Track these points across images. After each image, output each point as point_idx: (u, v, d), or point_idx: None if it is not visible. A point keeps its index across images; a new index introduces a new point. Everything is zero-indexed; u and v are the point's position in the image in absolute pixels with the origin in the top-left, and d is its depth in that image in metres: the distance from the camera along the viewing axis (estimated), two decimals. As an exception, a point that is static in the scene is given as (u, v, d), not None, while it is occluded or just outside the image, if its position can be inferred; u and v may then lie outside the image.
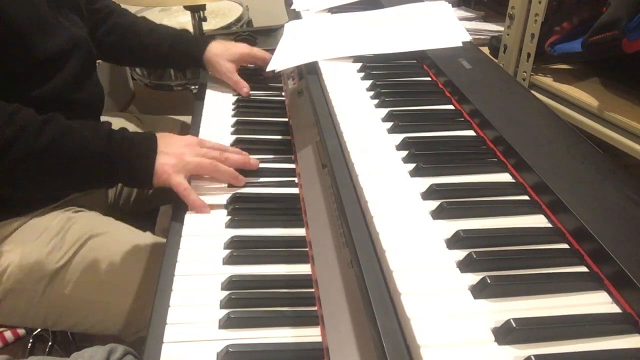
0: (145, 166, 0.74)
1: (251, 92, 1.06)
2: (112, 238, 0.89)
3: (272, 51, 0.91)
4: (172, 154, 0.75)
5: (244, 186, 0.79)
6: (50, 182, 0.75)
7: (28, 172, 0.72)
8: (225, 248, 0.69)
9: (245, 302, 0.61)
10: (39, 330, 1.31)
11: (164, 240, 0.91)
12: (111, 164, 0.73)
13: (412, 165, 0.59)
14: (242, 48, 1.10)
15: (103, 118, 1.11)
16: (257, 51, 1.11)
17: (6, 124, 0.69)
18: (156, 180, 0.75)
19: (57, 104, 0.81)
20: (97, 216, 0.93)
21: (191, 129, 0.95)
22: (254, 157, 0.83)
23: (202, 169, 0.77)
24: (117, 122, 1.14)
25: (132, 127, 1.15)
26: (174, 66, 1.36)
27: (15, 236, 0.85)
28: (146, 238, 0.92)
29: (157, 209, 1.30)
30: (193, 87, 1.66)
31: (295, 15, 1.08)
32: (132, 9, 1.72)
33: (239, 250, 0.68)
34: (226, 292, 0.62)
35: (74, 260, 0.85)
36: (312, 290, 0.63)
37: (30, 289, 0.84)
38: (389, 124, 0.67)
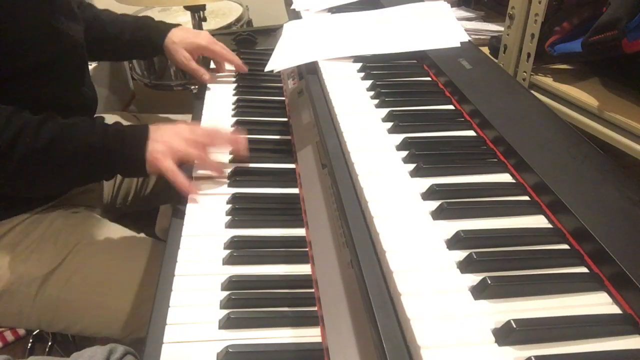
0: (137, 155, 0.75)
1: (251, 92, 1.06)
2: (106, 240, 0.88)
3: (272, 51, 0.91)
4: (161, 141, 0.76)
5: (244, 186, 0.79)
6: (52, 180, 0.76)
7: (31, 172, 0.72)
8: (225, 248, 0.69)
9: (245, 302, 0.61)
10: (38, 330, 1.30)
11: (159, 242, 0.91)
12: (108, 157, 0.74)
13: (412, 166, 0.59)
14: (201, 40, 1.05)
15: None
16: (217, 47, 1.06)
17: (4, 128, 0.69)
18: (149, 168, 0.76)
19: (51, 108, 0.81)
20: (91, 218, 0.93)
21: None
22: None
23: (189, 159, 0.78)
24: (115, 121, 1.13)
25: None
26: (138, 55, 1.29)
27: (7, 238, 0.85)
28: (141, 240, 0.91)
29: (156, 208, 1.30)
30: (193, 87, 1.66)
31: (295, 15, 1.08)
32: (132, 9, 1.73)
33: (239, 251, 0.68)
34: (226, 293, 0.62)
35: (66, 263, 0.85)
36: (312, 290, 0.63)
37: (22, 292, 0.84)
38: (389, 124, 0.67)
